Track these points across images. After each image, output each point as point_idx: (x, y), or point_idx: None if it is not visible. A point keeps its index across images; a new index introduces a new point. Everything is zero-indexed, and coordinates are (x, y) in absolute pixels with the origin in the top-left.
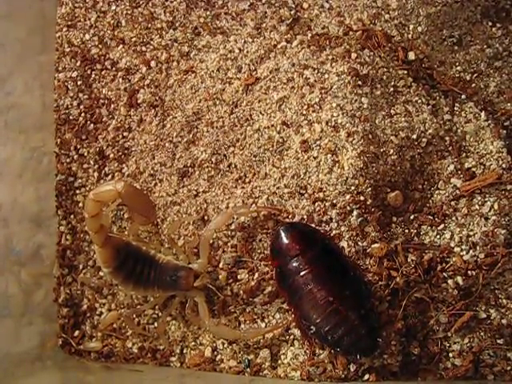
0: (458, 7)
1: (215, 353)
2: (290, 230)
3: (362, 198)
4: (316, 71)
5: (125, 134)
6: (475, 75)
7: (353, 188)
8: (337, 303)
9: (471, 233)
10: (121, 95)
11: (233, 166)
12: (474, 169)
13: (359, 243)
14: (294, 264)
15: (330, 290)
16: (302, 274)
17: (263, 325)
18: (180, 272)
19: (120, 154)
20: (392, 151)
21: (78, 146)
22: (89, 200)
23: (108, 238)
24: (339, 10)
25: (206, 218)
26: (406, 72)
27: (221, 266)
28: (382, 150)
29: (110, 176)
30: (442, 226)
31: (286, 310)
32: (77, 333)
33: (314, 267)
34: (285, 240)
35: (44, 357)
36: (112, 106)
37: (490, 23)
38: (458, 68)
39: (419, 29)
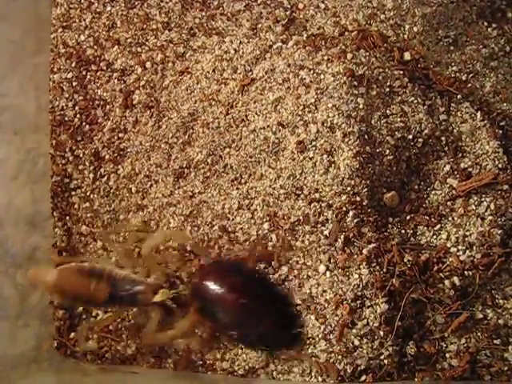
0: (454, 7)
1: (208, 355)
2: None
3: (358, 198)
4: (312, 72)
5: (120, 135)
6: (471, 75)
7: (349, 188)
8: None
9: (468, 233)
10: (116, 96)
11: (228, 166)
12: (470, 169)
13: (355, 243)
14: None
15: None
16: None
17: None
18: (136, 287)
19: (115, 155)
20: (388, 151)
21: (74, 148)
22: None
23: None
24: (335, 11)
25: (200, 220)
26: (401, 72)
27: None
28: (377, 150)
29: (105, 177)
30: (438, 226)
31: None
32: (73, 335)
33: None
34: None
35: (40, 359)
36: (107, 107)
37: (486, 23)
38: (454, 68)
39: (415, 29)
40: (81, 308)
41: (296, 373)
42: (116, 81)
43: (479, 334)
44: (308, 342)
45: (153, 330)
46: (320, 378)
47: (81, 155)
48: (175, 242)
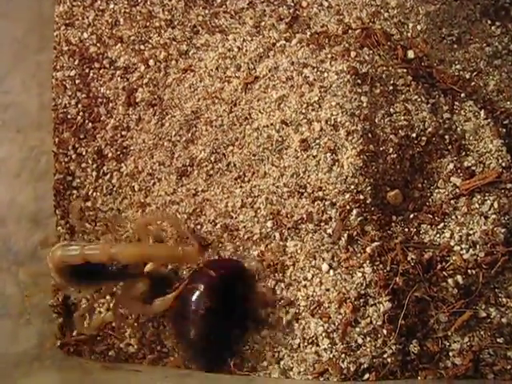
0: (458, 5)
1: None
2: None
3: (361, 196)
4: (315, 70)
5: (123, 132)
6: (474, 74)
7: (352, 187)
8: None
9: (471, 231)
10: (119, 94)
11: (232, 164)
12: (473, 167)
13: (359, 242)
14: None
15: None
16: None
17: None
18: None
19: (118, 153)
20: (391, 150)
21: (76, 145)
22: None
23: None
24: (338, 9)
25: (203, 218)
26: (405, 70)
27: None
28: (381, 148)
29: (108, 175)
30: (441, 224)
31: None
32: (75, 333)
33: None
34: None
35: (43, 357)
36: (110, 104)
37: (490, 22)
38: (458, 66)
39: (418, 27)
40: (84, 306)
41: (298, 372)
42: (119, 78)
43: (482, 332)
44: (310, 340)
45: (136, 297)
46: (322, 377)
47: (83, 153)
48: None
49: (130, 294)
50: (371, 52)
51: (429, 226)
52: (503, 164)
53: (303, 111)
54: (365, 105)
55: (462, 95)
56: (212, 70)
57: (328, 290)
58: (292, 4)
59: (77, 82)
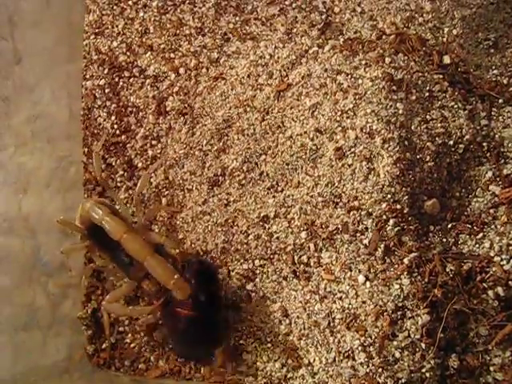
0: (494, 9)
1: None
2: None
3: (398, 206)
4: (349, 76)
5: (153, 142)
6: None
7: (389, 196)
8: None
9: (511, 241)
10: (149, 103)
11: (264, 174)
12: None
13: (396, 253)
14: None
15: None
16: None
17: None
18: None
19: (148, 163)
20: (428, 158)
21: (106, 156)
22: None
23: None
24: (371, 14)
25: (235, 229)
26: (441, 76)
27: None
28: (418, 156)
29: None
30: (480, 234)
31: None
32: (104, 345)
33: None
34: None
35: (72, 369)
36: (140, 114)
37: None
38: (495, 71)
39: (454, 32)
40: (112, 318)
41: None
42: (149, 87)
43: None
44: (346, 354)
45: (117, 297)
46: None
47: (113, 163)
48: None
49: (116, 293)
50: (406, 58)
51: (467, 236)
52: None
53: (338, 119)
54: (401, 112)
55: (500, 101)
56: (243, 77)
57: (364, 302)
58: (324, 10)
59: (106, 91)
